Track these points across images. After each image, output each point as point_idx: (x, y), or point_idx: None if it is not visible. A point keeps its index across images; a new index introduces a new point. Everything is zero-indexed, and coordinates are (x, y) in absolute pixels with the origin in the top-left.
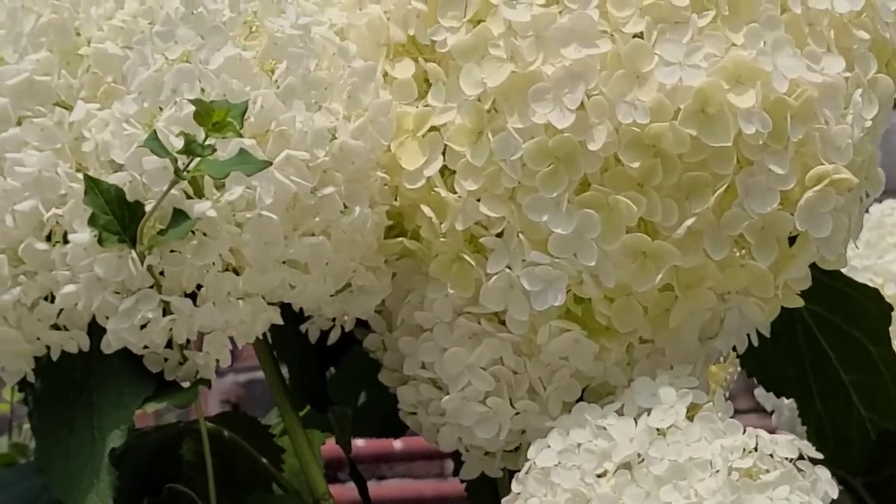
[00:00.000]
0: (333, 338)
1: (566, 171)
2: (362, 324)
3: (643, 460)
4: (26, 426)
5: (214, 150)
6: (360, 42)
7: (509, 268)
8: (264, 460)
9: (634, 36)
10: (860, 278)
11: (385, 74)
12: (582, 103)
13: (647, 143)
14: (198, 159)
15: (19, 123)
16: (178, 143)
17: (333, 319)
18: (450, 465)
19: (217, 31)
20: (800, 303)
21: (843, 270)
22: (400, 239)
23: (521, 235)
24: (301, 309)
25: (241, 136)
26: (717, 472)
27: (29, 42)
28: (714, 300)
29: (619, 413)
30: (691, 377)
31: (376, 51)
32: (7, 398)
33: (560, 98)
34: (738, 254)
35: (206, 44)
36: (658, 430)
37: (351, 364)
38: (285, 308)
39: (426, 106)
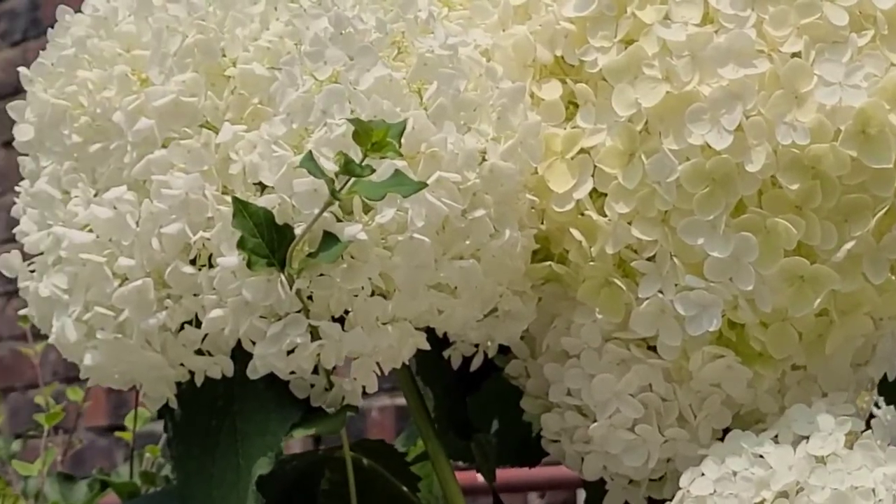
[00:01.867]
0: (476, 364)
1: (723, 193)
2: (502, 349)
3: (802, 489)
4: (148, 455)
5: (373, 171)
6: (506, 63)
7: (661, 292)
8: (404, 488)
9: (792, 55)
10: None
11: (532, 95)
12: (740, 124)
13: (807, 165)
14: (352, 181)
15: (165, 145)
16: (329, 165)
17: (476, 345)
18: (533, 498)
19: (367, 51)
20: None
21: None
22: (548, 263)
23: (674, 259)
24: (444, 333)
25: (400, 155)
26: (881, 500)
27: (175, 63)
28: (871, 326)
29: (775, 441)
30: (848, 404)
31: (522, 72)
32: (129, 426)
33: (717, 119)
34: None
35: (356, 64)
36: (817, 457)
37: (483, 390)
38: (428, 333)
39: (574, 127)
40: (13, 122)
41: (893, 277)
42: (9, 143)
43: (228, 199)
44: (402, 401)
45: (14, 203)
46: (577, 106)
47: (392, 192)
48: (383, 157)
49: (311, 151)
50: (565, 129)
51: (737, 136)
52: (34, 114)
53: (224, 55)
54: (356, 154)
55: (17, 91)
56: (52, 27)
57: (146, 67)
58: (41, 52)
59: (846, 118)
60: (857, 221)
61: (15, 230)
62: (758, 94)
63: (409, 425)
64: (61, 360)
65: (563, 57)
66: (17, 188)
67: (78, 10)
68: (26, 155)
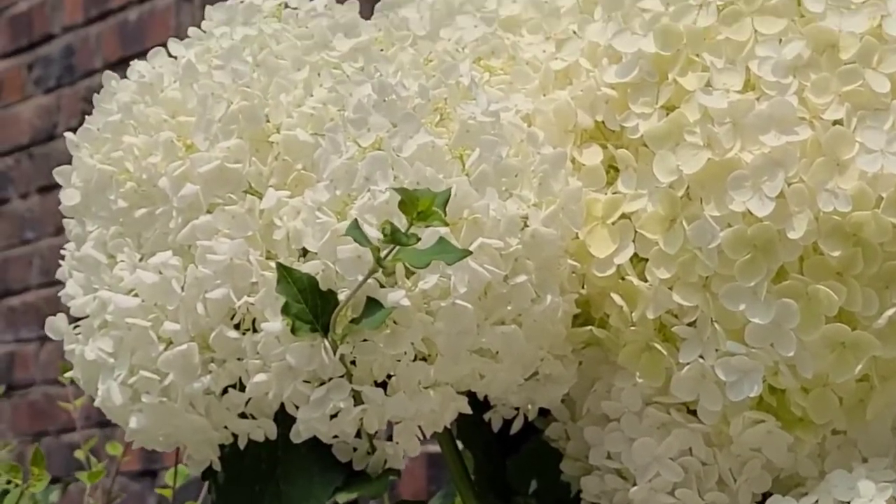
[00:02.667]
0: (517, 427)
1: (764, 259)
2: (542, 412)
3: None
4: None
5: (418, 240)
6: (547, 128)
7: (702, 357)
8: None
9: (834, 123)
10: None
11: (573, 160)
12: (781, 191)
13: (848, 232)
14: (396, 249)
15: (210, 211)
16: (373, 232)
17: (517, 408)
18: None
19: (409, 118)
20: None
21: None
22: (588, 327)
23: (715, 325)
24: (485, 396)
25: (446, 224)
26: None
27: (220, 129)
28: None
29: None
30: (888, 470)
31: (563, 137)
32: (170, 482)
33: (759, 186)
34: None
35: (399, 131)
36: None
37: (523, 453)
38: (469, 395)
39: (615, 193)
40: (49, 167)
41: None
42: (44, 189)
43: (272, 264)
44: (433, 448)
45: (48, 248)
46: (617, 171)
47: (436, 259)
48: (428, 226)
49: (356, 219)
50: (606, 194)
51: (778, 203)
52: (80, 179)
53: (268, 121)
54: (400, 221)
55: (52, 137)
56: (86, 75)
57: (191, 134)
58: (75, 98)
59: (888, 185)
60: None
61: (61, 293)
62: (799, 162)
63: (446, 483)
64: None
65: (604, 122)
66: (52, 236)
67: (115, 65)
68: (72, 218)
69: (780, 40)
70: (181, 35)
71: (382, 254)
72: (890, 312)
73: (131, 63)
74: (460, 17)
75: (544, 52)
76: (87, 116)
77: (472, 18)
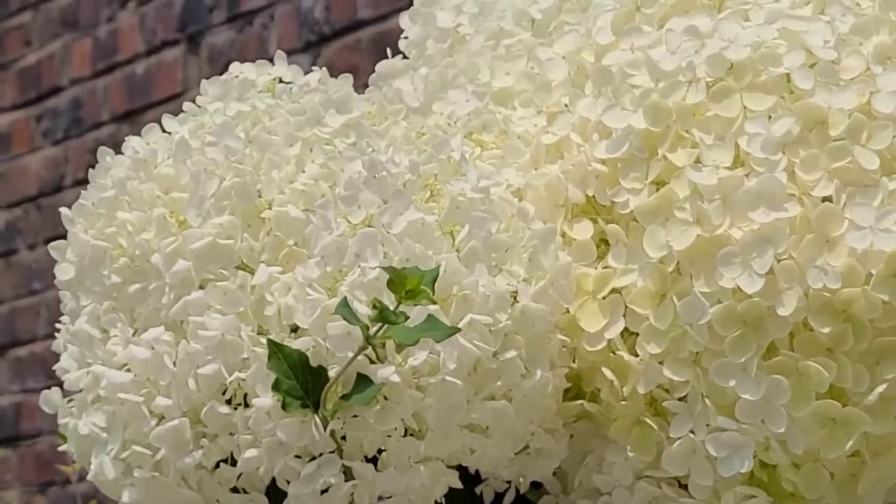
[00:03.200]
0: (508, 500)
1: (754, 335)
2: (534, 485)
3: None
4: None
5: (407, 318)
6: (538, 202)
7: (693, 432)
8: None
9: (823, 199)
10: None
11: (563, 235)
12: (771, 268)
13: (838, 309)
14: (386, 327)
15: (202, 286)
16: (363, 309)
17: (508, 481)
18: None
19: (400, 194)
20: None
21: None
22: (580, 401)
23: (706, 400)
24: (476, 470)
25: (433, 302)
26: None
27: (212, 206)
28: None
29: None
30: None
31: (554, 211)
32: None
33: (749, 262)
34: None
35: (389, 208)
36: None
37: None
38: (460, 469)
39: (606, 267)
40: (56, 219)
41: None
42: (51, 240)
43: (264, 340)
44: None
45: (55, 298)
46: (608, 245)
47: (425, 336)
48: (416, 304)
49: (345, 298)
50: (597, 268)
51: (768, 280)
52: (75, 254)
53: (260, 197)
54: (389, 298)
55: (59, 189)
56: (94, 127)
57: (184, 210)
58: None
59: (877, 262)
60: (888, 364)
61: (55, 366)
62: (789, 238)
63: None
64: None
65: (594, 197)
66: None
67: (122, 117)
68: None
69: (770, 117)
70: (188, 88)
71: (372, 331)
72: (880, 388)
73: (125, 139)
74: (452, 92)
75: (536, 126)
76: (91, 170)
77: (463, 93)
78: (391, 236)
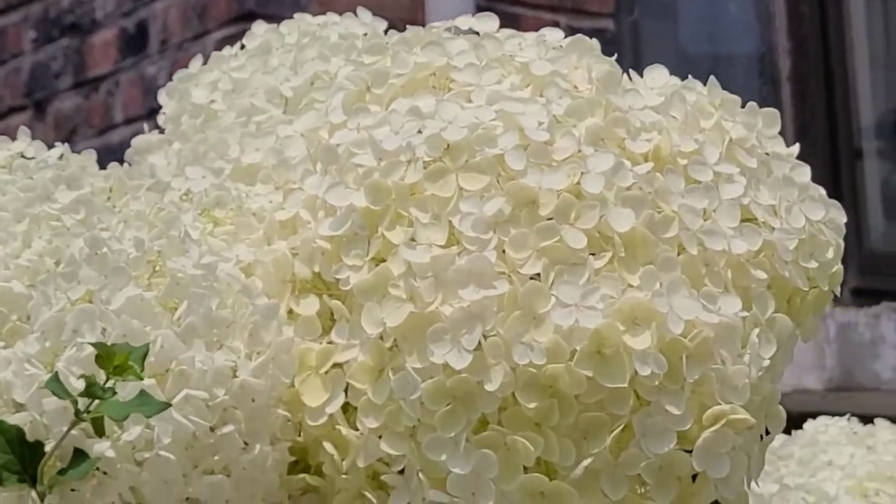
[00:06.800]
0: None
1: (464, 410)
2: None
3: None
4: None
5: (115, 393)
6: (266, 278)
7: None
8: None
9: (531, 277)
10: (793, 497)
11: (290, 311)
12: (479, 344)
13: (544, 384)
14: (96, 402)
15: None
16: (79, 384)
17: None
18: None
19: (120, 271)
20: None
21: (776, 486)
22: (303, 475)
23: (420, 474)
24: None
25: (142, 379)
26: None
27: None
28: None
29: None
30: None
31: (282, 287)
32: None
33: (458, 339)
34: (640, 491)
35: (108, 284)
36: None
37: None
38: None
39: (329, 343)
40: None
41: (639, 490)
42: None
43: None
44: None
45: None
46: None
47: (136, 412)
48: (125, 379)
49: (56, 373)
50: (321, 343)
51: (476, 356)
52: None
53: None
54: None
55: None
56: None
57: None
58: None
59: (581, 339)
60: (594, 438)
61: None
62: (497, 315)
63: None
64: None
65: (320, 273)
66: None
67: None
68: None
69: (482, 196)
70: None
71: (82, 406)
72: (586, 462)
73: None
74: (189, 168)
75: (271, 203)
76: None
77: (200, 169)
78: (109, 312)
